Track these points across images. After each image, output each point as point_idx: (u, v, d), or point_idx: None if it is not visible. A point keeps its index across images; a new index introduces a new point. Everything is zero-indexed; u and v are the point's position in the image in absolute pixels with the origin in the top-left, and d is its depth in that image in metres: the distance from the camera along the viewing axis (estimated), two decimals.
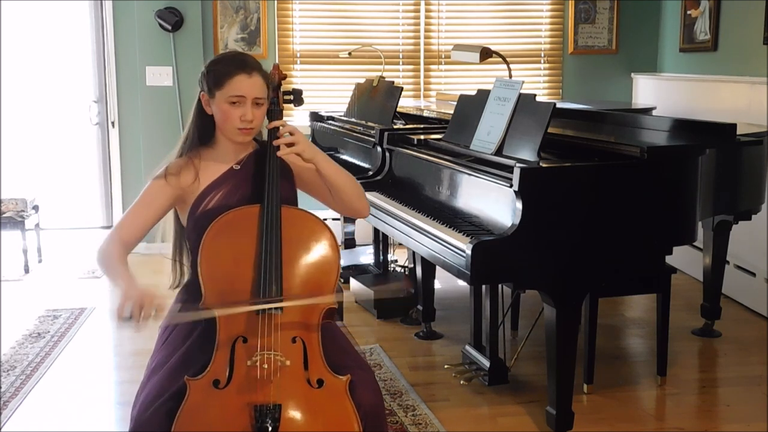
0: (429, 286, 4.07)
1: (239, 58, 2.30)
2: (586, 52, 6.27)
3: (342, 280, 4.87)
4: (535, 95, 3.18)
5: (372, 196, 3.78)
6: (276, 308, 2.08)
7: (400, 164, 3.90)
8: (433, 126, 4.30)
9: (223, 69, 2.25)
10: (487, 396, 3.43)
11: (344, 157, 4.70)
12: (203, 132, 2.35)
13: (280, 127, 2.29)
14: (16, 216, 5.35)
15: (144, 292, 2.02)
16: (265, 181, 2.23)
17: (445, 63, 6.13)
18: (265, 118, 2.33)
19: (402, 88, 4.52)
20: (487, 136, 3.29)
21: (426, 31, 6.11)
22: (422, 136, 3.81)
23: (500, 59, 4.64)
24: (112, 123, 5.89)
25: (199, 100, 2.33)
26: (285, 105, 2.41)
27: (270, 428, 1.97)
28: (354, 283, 4.72)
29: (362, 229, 5.49)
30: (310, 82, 5.99)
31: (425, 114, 4.85)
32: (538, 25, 6.23)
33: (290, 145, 2.25)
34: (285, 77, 2.42)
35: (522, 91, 3.21)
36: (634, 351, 4.08)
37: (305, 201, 2.40)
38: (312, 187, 2.43)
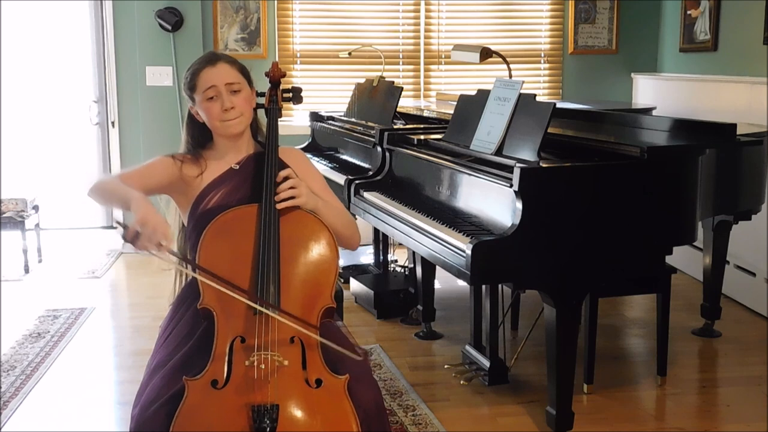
0: (429, 286, 4.06)
1: (205, 55, 2.35)
2: (586, 52, 6.26)
3: (342, 280, 4.87)
4: (535, 95, 3.18)
5: (372, 196, 3.79)
6: (264, 312, 2.07)
7: (400, 164, 3.90)
8: (433, 126, 4.29)
9: (192, 71, 2.31)
10: (487, 396, 3.42)
11: (344, 157, 4.70)
12: (200, 142, 2.38)
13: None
14: (16, 216, 5.34)
15: (159, 219, 2.04)
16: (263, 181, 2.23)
17: (445, 63, 6.12)
18: (274, 117, 2.35)
19: (402, 88, 4.51)
20: (487, 136, 3.28)
21: (426, 31, 6.11)
22: (422, 136, 3.80)
23: (500, 59, 4.63)
24: (112, 123, 5.88)
25: (190, 112, 2.37)
26: (284, 103, 2.43)
27: (268, 428, 1.97)
28: (354, 283, 4.72)
29: (362, 229, 5.46)
30: (310, 82, 5.98)
31: (425, 114, 4.85)
32: (538, 25, 6.23)
33: (290, 197, 2.22)
34: (284, 75, 2.44)
35: (522, 91, 3.21)
36: (634, 351, 4.08)
37: None
38: None
